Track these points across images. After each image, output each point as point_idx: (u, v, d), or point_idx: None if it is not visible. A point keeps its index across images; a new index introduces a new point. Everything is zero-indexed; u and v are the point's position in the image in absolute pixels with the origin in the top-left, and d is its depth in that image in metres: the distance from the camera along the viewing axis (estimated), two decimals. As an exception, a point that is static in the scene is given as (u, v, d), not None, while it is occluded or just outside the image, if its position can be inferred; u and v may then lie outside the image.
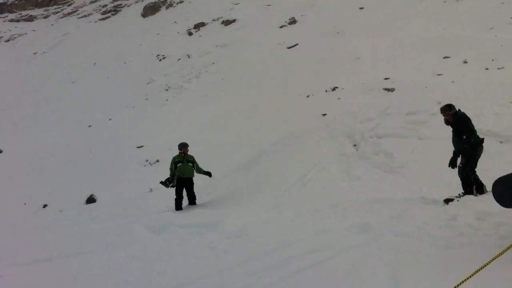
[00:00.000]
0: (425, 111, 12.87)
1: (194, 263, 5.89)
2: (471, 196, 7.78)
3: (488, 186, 8.12)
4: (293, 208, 8.85)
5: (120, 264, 5.86)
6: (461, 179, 8.11)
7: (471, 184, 7.98)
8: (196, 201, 11.49)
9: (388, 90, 16.75)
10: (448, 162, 8.15)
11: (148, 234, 7.48)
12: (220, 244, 6.68)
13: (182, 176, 11.33)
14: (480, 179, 8.13)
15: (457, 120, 8.19)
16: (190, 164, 11.49)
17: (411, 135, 11.79)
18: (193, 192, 11.52)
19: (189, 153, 11.65)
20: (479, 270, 3.86)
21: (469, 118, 8.19)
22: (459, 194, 8.04)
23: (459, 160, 8.12)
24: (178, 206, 11.13)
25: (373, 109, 13.95)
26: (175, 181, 11.28)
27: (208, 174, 11.86)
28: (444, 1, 30.28)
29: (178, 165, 11.33)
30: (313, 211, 8.24)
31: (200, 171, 11.79)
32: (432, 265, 5.11)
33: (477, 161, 8.13)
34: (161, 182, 11.50)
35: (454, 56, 19.76)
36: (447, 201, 7.77)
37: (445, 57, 20.02)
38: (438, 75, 17.54)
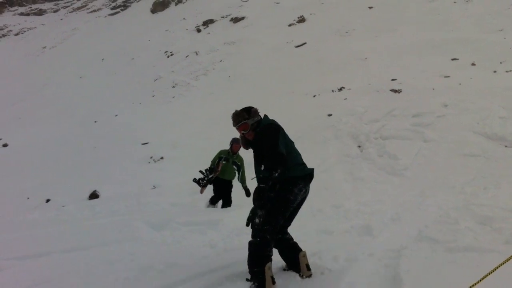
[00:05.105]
0: (431, 113, 12.81)
1: (194, 261, 5.85)
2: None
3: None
4: (294, 208, 8.80)
5: (120, 261, 5.84)
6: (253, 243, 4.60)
7: (263, 262, 4.45)
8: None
9: (394, 91, 16.70)
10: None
11: (149, 231, 7.46)
12: (220, 242, 6.64)
13: (221, 177, 9.86)
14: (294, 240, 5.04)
15: (259, 137, 4.68)
16: (235, 168, 9.98)
17: (416, 137, 11.73)
18: (230, 197, 10.12)
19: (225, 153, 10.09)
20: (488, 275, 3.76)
21: (279, 130, 4.63)
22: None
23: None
24: (212, 203, 10.08)
25: (379, 110, 13.90)
26: (211, 180, 9.83)
27: (247, 193, 9.98)
28: (454, 2, 30.16)
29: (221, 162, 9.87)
30: (315, 211, 8.21)
31: (243, 182, 10.11)
32: (432, 268, 5.07)
33: (289, 213, 4.69)
34: (195, 180, 9.94)
35: (462, 58, 19.71)
36: None
37: (453, 59, 19.96)
38: (446, 77, 17.48)
